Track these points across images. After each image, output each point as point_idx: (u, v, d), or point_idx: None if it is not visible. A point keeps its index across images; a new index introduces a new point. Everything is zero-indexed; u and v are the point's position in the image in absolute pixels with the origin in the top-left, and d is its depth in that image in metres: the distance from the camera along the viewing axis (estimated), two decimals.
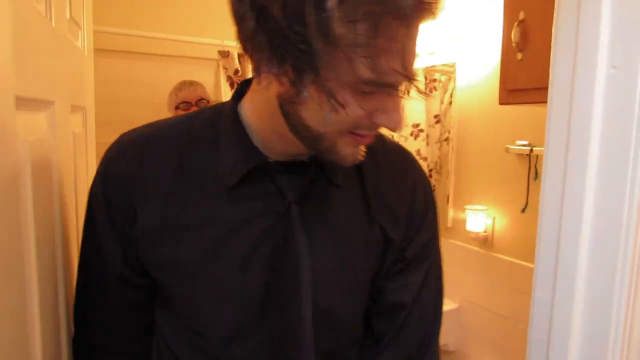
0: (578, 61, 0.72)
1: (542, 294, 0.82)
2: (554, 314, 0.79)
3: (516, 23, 1.27)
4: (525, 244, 1.67)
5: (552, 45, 0.77)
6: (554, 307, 0.78)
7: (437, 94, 2.13)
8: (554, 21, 0.77)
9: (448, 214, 2.00)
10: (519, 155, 1.66)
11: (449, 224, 2.01)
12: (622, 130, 0.68)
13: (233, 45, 2.19)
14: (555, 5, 0.75)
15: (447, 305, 2.02)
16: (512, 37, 1.29)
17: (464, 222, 1.89)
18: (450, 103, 2.04)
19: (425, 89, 2.18)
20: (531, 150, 1.58)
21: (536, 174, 1.60)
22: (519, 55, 1.29)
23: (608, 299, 0.69)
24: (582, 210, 0.73)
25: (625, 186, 0.68)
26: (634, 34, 0.64)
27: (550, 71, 0.77)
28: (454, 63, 1.93)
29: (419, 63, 2.15)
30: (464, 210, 1.89)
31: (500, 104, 1.40)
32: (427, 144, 2.19)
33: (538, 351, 0.81)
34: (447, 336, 2.01)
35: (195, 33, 2.18)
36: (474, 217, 1.83)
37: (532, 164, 1.61)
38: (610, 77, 0.69)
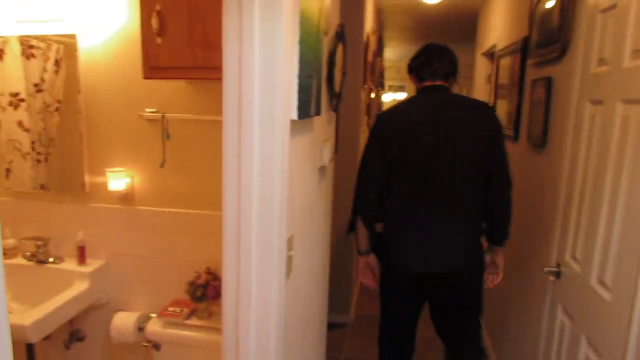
0: (242, 59, 1.12)
1: (229, 213, 1.20)
2: (241, 224, 1.18)
3: (155, 13, 1.55)
4: (168, 193, 2.03)
5: (223, 45, 1.14)
6: (241, 220, 1.18)
7: (36, 62, 2.11)
8: (223, 28, 1.13)
9: (85, 180, 2.10)
10: (151, 120, 1.97)
11: (87, 189, 2.11)
12: (272, 102, 1.13)
13: None
14: (223, 22, 1.11)
15: (93, 265, 2.15)
16: (153, 24, 1.57)
17: (105, 184, 2.06)
18: (57, 72, 2.08)
19: (22, 55, 2.11)
20: (163, 116, 1.93)
21: (168, 135, 1.97)
22: (159, 40, 1.59)
23: (271, 204, 1.16)
24: (253, 158, 1.15)
25: (275, 135, 1.15)
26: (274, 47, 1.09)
27: (224, 63, 1.14)
28: (74, 34, 1.98)
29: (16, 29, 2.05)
30: (104, 174, 2.05)
31: (145, 78, 1.66)
32: (30, 114, 2.15)
33: (231, 252, 1.20)
34: (99, 292, 2.16)
35: None
36: (114, 179, 2.02)
37: (164, 127, 1.96)
38: (262, 68, 1.12)
